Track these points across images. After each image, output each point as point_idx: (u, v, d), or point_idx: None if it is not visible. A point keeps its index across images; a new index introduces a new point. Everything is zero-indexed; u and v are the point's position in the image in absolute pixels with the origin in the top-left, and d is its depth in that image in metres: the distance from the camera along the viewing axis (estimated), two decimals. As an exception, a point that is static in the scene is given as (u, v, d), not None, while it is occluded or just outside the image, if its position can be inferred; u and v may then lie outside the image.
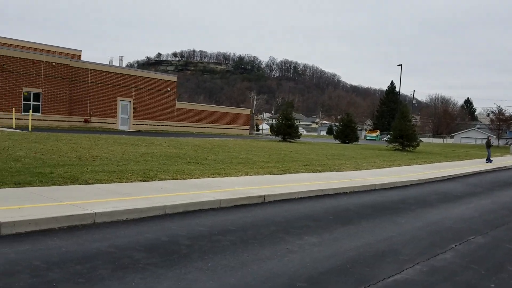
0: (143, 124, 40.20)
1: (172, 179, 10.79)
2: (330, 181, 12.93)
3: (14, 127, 28.04)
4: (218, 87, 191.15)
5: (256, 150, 22.13)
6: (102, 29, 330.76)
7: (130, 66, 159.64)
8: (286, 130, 36.31)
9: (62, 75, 34.01)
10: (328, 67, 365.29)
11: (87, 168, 11.26)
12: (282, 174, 13.83)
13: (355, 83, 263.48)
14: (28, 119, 28.45)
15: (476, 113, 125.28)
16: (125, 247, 5.64)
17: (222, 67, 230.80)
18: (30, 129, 26.65)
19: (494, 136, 58.74)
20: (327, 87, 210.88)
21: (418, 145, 34.69)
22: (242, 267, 5.26)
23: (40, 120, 32.44)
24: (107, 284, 4.42)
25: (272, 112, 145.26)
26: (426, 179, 16.01)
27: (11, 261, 4.82)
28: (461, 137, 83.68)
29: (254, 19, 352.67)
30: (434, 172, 18.52)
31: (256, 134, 61.92)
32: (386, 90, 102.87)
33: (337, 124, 56.50)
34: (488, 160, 27.37)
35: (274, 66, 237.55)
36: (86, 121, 36.02)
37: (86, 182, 9.41)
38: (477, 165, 24.46)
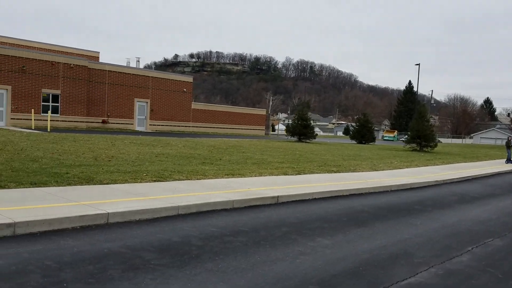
0: (159, 125, 40.49)
1: (186, 180, 10.82)
2: (345, 182, 12.81)
3: (33, 128, 28.50)
4: (234, 87, 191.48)
5: (271, 151, 22.08)
6: (121, 31, 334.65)
7: (148, 67, 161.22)
8: (301, 131, 36.18)
9: (80, 77, 34.44)
10: (345, 67, 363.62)
11: (102, 169, 11.36)
12: (296, 174, 13.75)
13: (372, 83, 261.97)
14: (47, 120, 28.88)
15: (496, 113, 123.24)
16: (136, 248, 5.65)
17: (239, 68, 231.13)
18: (48, 130, 27.04)
19: (515, 137, 57.54)
20: (344, 87, 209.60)
21: (436, 145, 34.23)
22: (253, 269, 5.22)
23: (58, 121, 32.90)
24: (117, 285, 4.42)
25: (288, 112, 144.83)
26: (444, 180, 15.76)
27: (23, 260, 4.86)
28: (481, 137, 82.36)
29: (271, 19, 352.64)
30: (452, 173, 18.22)
31: (272, 134, 61.84)
32: (404, 90, 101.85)
33: (353, 124, 56.04)
34: (508, 161, 26.84)
35: (290, 67, 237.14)
36: (103, 122, 36.41)
37: (101, 182, 9.49)
38: (497, 166, 24.00)
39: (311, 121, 38.74)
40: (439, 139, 59.90)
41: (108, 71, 36.84)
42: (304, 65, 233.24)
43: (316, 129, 47.65)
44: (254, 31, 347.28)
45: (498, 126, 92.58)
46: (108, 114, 36.83)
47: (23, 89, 31.37)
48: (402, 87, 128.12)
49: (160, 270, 4.93)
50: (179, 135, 32.65)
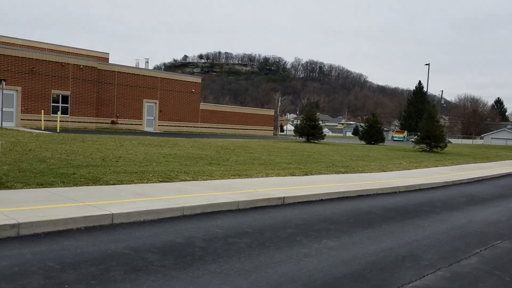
0: (168, 125, 40.61)
1: (192, 180, 10.80)
2: (353, 182, 12.71)
3: (43, 128, 28.73)
4: (243, 88, 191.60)
5: (278, 151, 22.02)
6: (130, 32, 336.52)
7: (157, 68, 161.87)
8: (310, 131, 36.05)
9: (90, 78, 34.65)
10: (354, 67, 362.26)
11: (109, 169, 11.38)
12: (303, 175, 13.68)
13: (382, 83, 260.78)
14: (57, 121, 29.09)
15: (507, 113, 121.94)
16: (140, 249, 5.63)
17: (247, 69, 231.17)
18: (58, 130, 27.22)
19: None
20: (353, 87, 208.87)
21: (445, 146, 33.91)
22: (256, 271, 5.17)
23: (68, 121, 33.13)
24: (119, 286, 4.40)
25: (297, 113, 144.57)
26: (453, 181, 15.59)
27: (26, 262, 4.86)
28: (491, 138, 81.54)
29: (280, 20, 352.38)
30: (462, 173, 18.03)
31: (281, 135, 61.74)
32: (414, 90, 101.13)
33: (362, 125, 55.76)
34: (520, 162, 26.51)
35: (299, 67, 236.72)
36: (113, 122, 36.61)
37: (107, 183, 9.50)
38: (507, 166, 23.70)
39: (320, 122, 38.54)
40: (449, 139, 59.41)
41: (117, 72, 37.05)
42: (313, 65, 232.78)
43: (325, 130, 47.47)
44: (263, 31, 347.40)
45: (509, 126, 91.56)
46: (117, 115, 37.02)
47: (33, 90, 31.63)
48: (412, 87, 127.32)
49: (163, 271, 4.90)
50: (187, 136, 32.71)
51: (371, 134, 43.50)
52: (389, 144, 49.68)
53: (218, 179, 11.40)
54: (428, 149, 33.10)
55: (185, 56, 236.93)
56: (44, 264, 4.81)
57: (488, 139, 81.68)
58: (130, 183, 9.70)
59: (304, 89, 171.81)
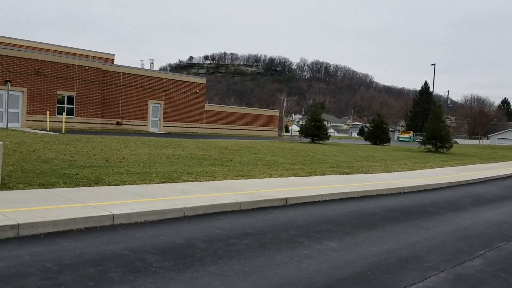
0: (173, 126, 40.64)
1: (194, 181, 10.77)
2: (357, 183, 12.63)
3: (48, 129, 28.83)
4: (248, 89, 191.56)
5: (283, 152, 21.96)
6: (136, 33, 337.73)
7: (163, 69, 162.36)
8: (314, 132, 35.92)
9: (95, 79, 34.74)
10: (360, 68, 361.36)
11: (112, 170, 11.37)
12: (307, 176, 13.61)
13: (388, 83, 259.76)
14: (62, 122, 29.19)
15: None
16: (139, 250, 5.59)
17: (253, 69, 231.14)
18: (63, 131, 27.30)
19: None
20: (359, 88, 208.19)
21: (451, 146, 33.69)
22: (256, 272, 5.11)
23: (73, 122, 33.23)
24: (116, 288, 4.36)
25: (303, 113, 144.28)
26: (458, 181, 15.45)
27: (24, 263, 4.83)
28: (498, 138, 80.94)
29: (285, 21, 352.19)
30: (467, 174, 17.87)
31: (286, 135, 61.64)
32: (420, 90, 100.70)
33: (368, 125, 55.52)
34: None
35: (305, 67, 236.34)
36: (118, 123, 36.68)
37: (109, 184, 9.48)
38: (514, 167, 23.49)
39: (325, 122, 38.41)
40: (455, 140, 59.06)
41: (123, 73, 37.12)
42: (319, 66, 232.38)
43: (331, 130, 47.40)
44: (263, 31, 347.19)
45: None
46: (123, 115, 37.09)
47: (38, 91, 31.75)
48: (418, 87, 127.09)
49: (161, 273, 4.85)
50: (192, 137, 32.71)
51: (377, 135, 43.30)
52: (394, 144, 49.42)
53: (221, 180, 11.36)
54: (433, 150, 32.90)
55: (191, 57, 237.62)
56: (42, 265, 4.77)
57: (495, 140, 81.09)
58: (132, 184, 9.68)
59: (310, 90, 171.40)
